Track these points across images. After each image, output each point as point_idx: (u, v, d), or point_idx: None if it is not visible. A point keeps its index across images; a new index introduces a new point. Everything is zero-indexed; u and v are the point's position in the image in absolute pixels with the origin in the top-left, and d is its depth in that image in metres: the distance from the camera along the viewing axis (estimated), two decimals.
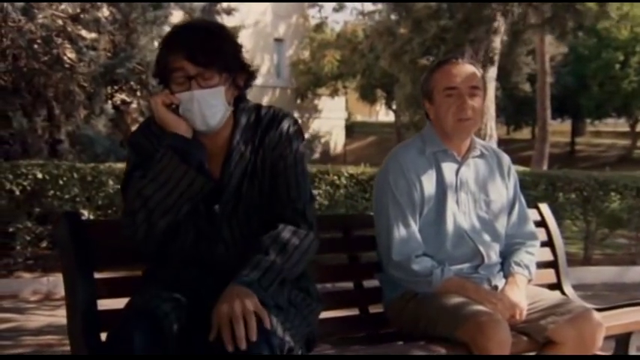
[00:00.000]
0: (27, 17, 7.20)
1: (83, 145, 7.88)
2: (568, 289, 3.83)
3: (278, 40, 33.91)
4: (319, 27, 35.36)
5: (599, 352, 3.40)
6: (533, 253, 3.27)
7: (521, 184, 7.17)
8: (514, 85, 32.38)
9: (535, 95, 26.68)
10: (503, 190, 3.23)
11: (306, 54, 34.57)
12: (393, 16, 24.07)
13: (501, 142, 30.32)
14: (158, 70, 2.42)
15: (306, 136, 29.65)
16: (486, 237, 3.12)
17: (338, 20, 74.91)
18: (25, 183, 6.57)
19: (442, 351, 2.79)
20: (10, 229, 6.71)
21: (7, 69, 7.66)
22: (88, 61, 7.61)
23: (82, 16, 7.54)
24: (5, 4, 7.34)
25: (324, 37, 34.71)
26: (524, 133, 39.73)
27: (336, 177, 7.23)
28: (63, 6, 7.82)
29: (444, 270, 2.97)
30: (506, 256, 3.21)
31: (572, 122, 38.37)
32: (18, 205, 6.64)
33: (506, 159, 3.32)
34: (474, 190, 3.15)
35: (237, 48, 2.45)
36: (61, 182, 6.60)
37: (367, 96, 36.99)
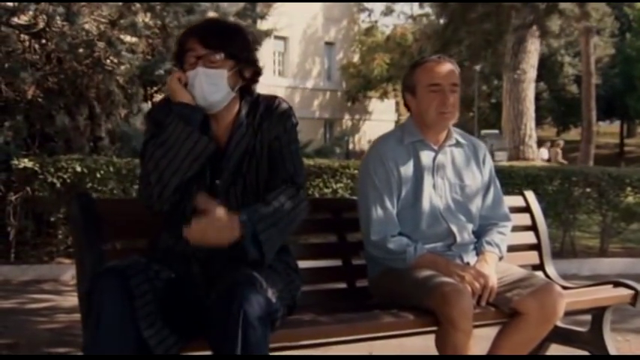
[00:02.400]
0: (69, 22, 7.54)
1: (122, 141, 8.14)
2: (550, 269, 4.02)
3: (328, 44, 34.13)
4: (369, 31, 35.51)
5: (568, 326, 3.71)
6: (505, 233, 3.49)
7: (536, 179, 7.49)
8: (561, 87, 32.18)
9: (582, 96, 26.57)
10: (478, 176, 3.47)
11: (356, 57, 34.73)
12: (441, 20, 24.25)
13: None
14: (177, 52, 2.81)
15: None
16: (460, 218, 3.37)
17: (387, 24, 74.70)
18: (65, 176, 6.85)
19: (410, 317, 3.06)
20: (52, 219, 7.00)
21: (53, 71, 7.94)
22: (126, 64, 7.90)
23: (120, 21, 7.85)
24: (50, 10, 7.67)
25: (374, 40, 34.84)
26: (573, 135, 39.27)
27: (357, 171, 7.39)
28: (105, 12, 8.11)
29: (417, 248, 3.23)
30: (479, 236, 3.44)
31: (620, 123, 37.88)
32: (59, 197, 6.88)
33: (482, 147, 3.56)
34: (450, 175, 3.40)
35: (248, 43, 2.83)
36: (98, 175, 6.86)
37: None
